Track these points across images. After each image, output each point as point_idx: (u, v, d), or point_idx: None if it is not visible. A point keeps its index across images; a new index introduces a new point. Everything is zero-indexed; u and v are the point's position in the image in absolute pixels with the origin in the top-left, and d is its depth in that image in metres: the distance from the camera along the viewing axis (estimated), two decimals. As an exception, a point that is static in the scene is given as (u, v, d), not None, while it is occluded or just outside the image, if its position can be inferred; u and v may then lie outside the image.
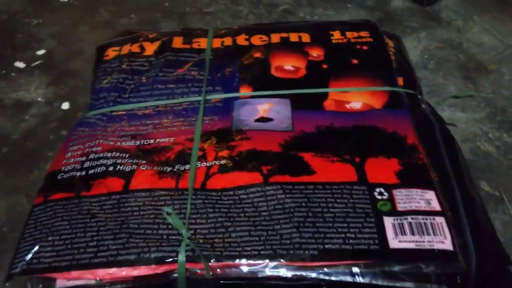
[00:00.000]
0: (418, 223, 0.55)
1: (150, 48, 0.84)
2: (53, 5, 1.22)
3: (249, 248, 0.54)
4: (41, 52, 1.06)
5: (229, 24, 1.17)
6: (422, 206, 0.57)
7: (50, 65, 1.03)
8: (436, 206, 0.57)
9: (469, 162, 0.78)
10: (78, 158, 0.66)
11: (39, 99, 0.94)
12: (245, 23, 1.17)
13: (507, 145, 0.85)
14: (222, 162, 0.63)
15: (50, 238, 0.56)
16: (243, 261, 0.53)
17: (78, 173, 0.63)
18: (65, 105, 0.92)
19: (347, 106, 0.72)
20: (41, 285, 0.54)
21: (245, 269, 0.53)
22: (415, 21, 1.15)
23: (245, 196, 0.59)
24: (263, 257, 0.53)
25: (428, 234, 0.54)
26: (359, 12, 1.19)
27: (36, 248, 0.55)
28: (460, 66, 1.02)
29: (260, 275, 0.53)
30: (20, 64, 1.02)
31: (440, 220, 0.56)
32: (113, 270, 0.53)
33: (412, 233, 0.54)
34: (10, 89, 0.96)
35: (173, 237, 0.55)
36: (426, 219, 0.55)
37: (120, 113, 0.73)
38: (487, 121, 0.89)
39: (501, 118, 0.90)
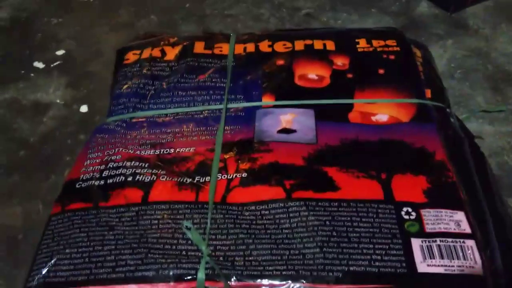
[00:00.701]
0: (448, 246, 0.53)
1: (171, 53, 0.83)
2: (73, 4, 1.21)
3: (270, 268, 0.52)
4: (60, 52, 1.05)
5: (250, 27, 1.15)
6: (452, 228, 0.54)
7: (69, 66, 1.02)
8: (466, 228, 0.55)
9: (496, 177, 0.75)
10: (97, 167, 0.64)
11: (58, 101, 0.93)
12: (266, 26, 1.15)
13: (536, 160, 0.82)
14: (244, 175, 0.61)
15: (67, 251, 0.55)
16: (265, 281, 0.51)
17: (96, 182, 0.62)
18: (84, 108, 0.91)
19: (373, 118, 0.70)
20: (57, 299, 0.53)
21: (266, 289, 0.51)
22: (441, 28, 1.12)
23: (267, 212, 0.57)
24: (285, 277, 0.51)
25: (458, 258, 0.52)
26: (383, 17, 1.16)
27: (53, 260, 0.54)
28: (488, 77, 0.99)
29: (282, 296, 0.51)
30: (39, 65, 1.02)
31: (471, 243, 0.53)
32: (130, 287, 0.51)
33: (441, 257, 0.52)
34: (29, 90, 0.96)
35: (193, 253, 0.53)
36: (456, 242, 0.53)
37: (140, 120, 0.72)
38: (515, 135, 0.86)
39: (530, 132, 0.87)
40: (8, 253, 0.69)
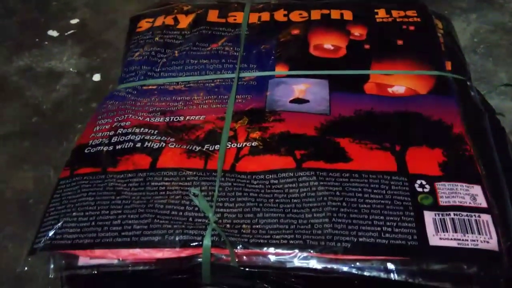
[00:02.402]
0: (462, 220, 0.51)
1: (184, 21, 0.81)
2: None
3: (278, 237, 0.51)
4: (74, 21, 1.05)
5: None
6: (467, 201, 0.52)
7: (84, 35, 1.02)
8: (482, 202, 0.53)
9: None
10: (106, 133, 0.64)
11: (71, 69, 0.93)
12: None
13: (560, 139, 0.79)
14: (254, 144, 0.60)
15: (74, 214, 0.54)
16: (271, 249, 0.50)
17: (105, 148, 0.62)
18: (97, 77, 0.91)
19: (390, 90, 0.67)
20: (63, 262, 0.53)
21: (272, 258, 0.50)
22: (465, 2, 1.08)
23: (276, 181, 0.56)
24: (293, 246, 0.50)
25: (472, 232, 0.50)
26: (405, -10, 1.12)
27: (60, 223, 0.54)
28: (511, 52, 0.95)
29: (288, 265, 0.50)
30: (53, 33, 1.02)
31: (486, 218, 0.51)
32: (136, 251, 0.51)
33: (455, 231, 0.50)
34: (43, 58, 0.96)
35: (199, 220, 0.53)
36: (471, 216, 0.51)
37: (150, 87, 0.71)
38: (539, 112, 0.83)
39: (554, 110, 0.83)
40: (19, 217, 0.70)
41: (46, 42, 0.99)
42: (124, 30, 0.87)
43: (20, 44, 0.99)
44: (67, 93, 0.88)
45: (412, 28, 0.75)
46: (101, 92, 0.86)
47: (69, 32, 1.02)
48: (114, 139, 0.62)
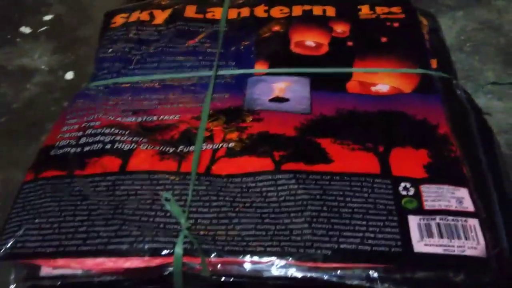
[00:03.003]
0: (448, 224, 0.48)
1: (161, 16, 0.78)
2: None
3: (254, 244, 0.48)
4: (48, 17, 1.01)
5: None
6: (453, 205, 0.50)
7: (57, 31, 0.98)
8: (469, 206, 0.50)
9: (504, 156, 0.70)
10: (74, 133, 0.60)
11: (43, 67, 0.89)
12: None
13: (547, 139, 0.77)
14: (230, 145, 0.57)
15: (37, 221, 0.51)
16: (247, 258, 0.47)
17: (73, 150, 0.58)
18: (69, 75, 0.87)
19: (373, 89, 0.65)
20: (25, 272, 0.49)
21: (248, 266, 0.47)
22: (452, 0, 1.06)
23: (253, 184, 0.53)
24: (270, 254, 0.47)
25: (459, 238, 0.48)
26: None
27: (22, 231, 0.50)
28: (499, 50, 0.93)
29: (265, 274, 0.47)
30: (26, 30, 0.97)
31: (473, 222, 0.49)
32: (102, 260, 0.48)
33: (441, 236, 0.48)
34: (14, 55, 0.92)
35: (171, 227, 0.49)
36: (457, 220, 0.49)
37: (123, 85, 0.67)
38: (526, 111, 0.81)
39: (542, 109, 0.82)
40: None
41: (18, 39, 0.95)
42: (99, 27, 0.83)
43: (-8, 42, 0.94)
44: (38, 92, 0.84)
45: (396, 25, 0.73)
46: (74, 91, 0.81)
47: (42, 29, 0.97)
48: (82, 140, 0.59)
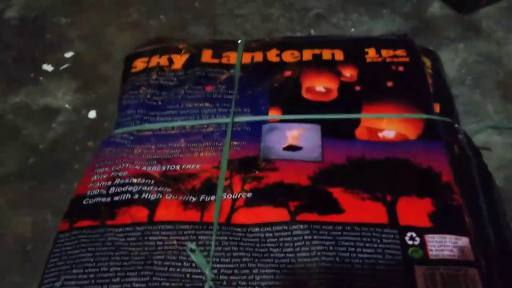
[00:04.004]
0: (450, 274, 0.53)
1: (179, 62, 0.82)
2: (82, 3, 1.21)
3: (273, 293, 0.52)
4: (69, 54, 1.06)
5: (260, 28, 1.15)
6: (455, 255, 0.54)
7: (78, 69, 1.02)
8: (469, 255, 0.54)
9: (503, 192, 0.75)
10: (103, 183, 0.65)
11: (67, 106, 0.94)
12: (276, 27, 1.14)
13: (546, 174, 0.81)
14: (248, 195, 0.62)
15: (74, 271, 0.56)
16: (267, 307, 0.52)
17: (103, 199, 0.63)
18: (92, 114, 0.92)
19: (380, 135, 0.69)
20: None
21: (268, 316, 0.52)
22: (453, 31, 1.10)
23: (270, 235, 0.57)
24: (287, 304, 0.52)
25: (460, 287, 0.52)
26: (394, 19, 1.14)
27: (60, 282, 0.55)
28: (499, 84, 0.97)
29: (284, 323, 0.52)
30: (48, 67, 1.02)
31: (473, 272, 0.53)
32: (135, 310, 0.52)
33: (444, 285, 0.52)
34: (39, 94, 0.96)
35: (197, 277, 0.54)
36: (459, 269, 0.53)
37: (146, 133, 0.72)
38: (525, 146, 0.85)
39: (541, 144, 0.86)
40: (18, 264, 0.71)
41: (41, 77, 1.00)
42: (118, 64, 0.88)
43: (15, 79, 0.99)
44: (63, 132, 0.89)
45: (401, 68, 0.77)
46: (98, 130, 0.87)
47: (64, 66, 1.02)
48: (111, 190, 0.64)
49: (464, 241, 0.56)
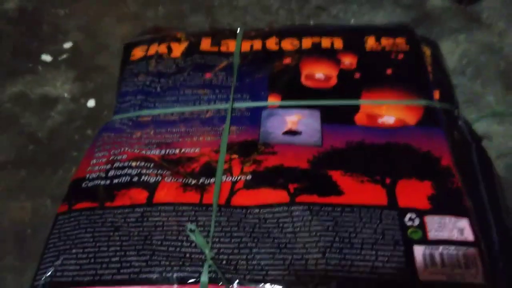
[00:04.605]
0: (450, 254, 0.53)
1: (178, 50, 0.82)
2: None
3: (273, 273, 0.52)
4: (67, 45, 1.05)
5: (259, 19, 1.15)
6: (455, 235, 0.54)
7: (77, 59, 1.02)
8: (469, 236, 0.54)
9: (503, 180, 0.74)
10: (102, 166, 0.65)
11: (65, 95, 0.94)
12: (275, 18, 1.14)
13: (545, 162, 0.82)
14: (248, 177, 0.62)
15: (73, 251, 0.56)
16: (267, 286, 0.52)
17: (102, 182, 0.63)
18: (91, 103, 0.92)
19: (379, 121, 0.69)
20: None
21: (268, 294, 0.52)
22: (455, 22, 1.10)
23: (270, 216, 0.57)
24: (287, 283, 0.51)
25: (460, 266, 0.52)
26: (395, 9, 1.14)
27: (60, 261, 0.55)
28: (500, 74, 0.97)
29: (283, 302, 0.51)
30: (46, 58, 1.02)
31: (473, 251, 0.53)
32: (134, 289, 0.52)
33: (443, 265, 0.52)
34: (37, 83, 0.96)
35: (196, 256, 0.54)
36: (459, 250, 0.53)
37: (145, 119, 0.72)
38: (525, 135, 0.85)
39: (540, 133, 0.86)
40: (17, 248, 0.70)
41: (40, 67, 1.00)
42: (116, 54, 0.88)
43: (13, 70, 0.99)
44: (62, 120, 0.89)
45: (401, 56, 0.77)
46: (96, 119, 0.87)
47: (62, 57, 1.02)
48: (111, 173, 0.64)
49: (463, 222, 0.56)
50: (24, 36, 1.09)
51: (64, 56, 1.03)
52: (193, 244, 0.55)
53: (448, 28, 1.09)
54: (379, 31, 0.82)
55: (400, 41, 0.80)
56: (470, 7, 1.13)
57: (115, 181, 0.63)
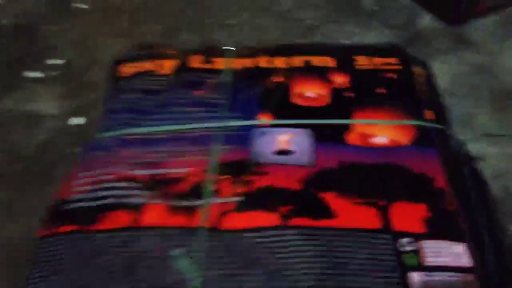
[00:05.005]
0: (447, 281, 0.51)
1: (168, 66, 0.81)
2: (73, 11, 1.20)
3: (264, 301, 0.50)
4: (59, 61, 1.04)
5: (251, 37, 1.14)
6: (451, 261, 0.53)
7: (67, 75, 1.01)
8: (466, 262, 0.53)
9: (498, 201, 0.73)
10: (88, 187, 0.63)
11: (55, 112, 0.92)
12: (267, 37, 1.14)
13: (540, 184, 0.81)
14: (239, 199, 0.60)
15: (55, 277, 0.53)
16: (257, 316, 0.49)
17: (86, 204, 0.61)
18: (80, 120, 0.90)
19: (372, 140, 0.68)
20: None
21: (258, 323, 0.50)
22: (445, 43, 1.10)
23: (262, 240, 0.55)
24: (279, 312, 0.49)
25: (457, 293, 0.50)
26: (384, 30, 1.14)
27: None
28: (491, 94, 0.97)
29: (274, 331, 0.49)
30: (37, 74, 1.00)
31: (470, 278, 0.51)
32: (117, 317, 0.50)
33: (440, 292, 0.50)
34: (25, 100, 0.94)
35: (183, 285, 0.52)
36: (456, 276, 0.51)
37: (133, 137, 0.70)
38: (519, 156, 0.85)
39: (534, 154, 0.85)
40: (7, 271, 0.68)
41: (29, 84, 0.98)
42: (109, 70, 0.86)
43: (2, 86, 0.97)
44: (50, 137, 0.87)
45: (392, 76, 0.77)
46: (85, 136, 0.85)
47: (51, 73, 1.00)
48: (95, 194, 0.62)
49: (460, 247, 0.54)
50: (16, 52, 1.07)
51: (55, 72, 1.01)
52: (179, 271, 0.53)
53: (439, 49, 1.09)
54: (371, 51, 0.82)
55: (392, 60, 0.80)
56: (459, 28, 1.13)
57: (100, 202, 0.60)
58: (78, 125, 0.89)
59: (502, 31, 1.11)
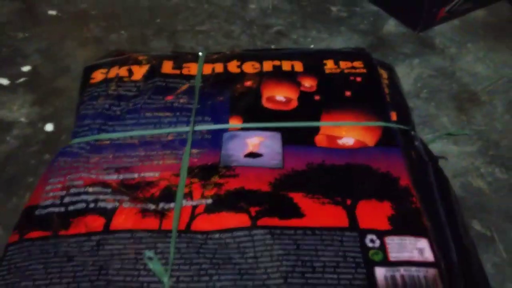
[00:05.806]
0: (411, 275, 0.53)
1: (139, 72, 0.81)
2: (41, 18, 1.19)
3: (234, 300, 0.51)
4: (26, 68, 1.03)
5: (221, 44, 1.15)
6: (415, 256, 0.55)
7: (35, 82, 1.00)
8: (429, 256, 0.55)
9: (459, 199, 0.76)
10: (57, 193, 0.63)
11: (22, 119, 0.91)
12: (237, 43, 1.15)
13: (499, 181, 0.84)
14: (209, 201, 0.61)
15: (23, 284, 0.53)
16: (228, 314, 0.50)
17: (56, 209, 0.60)
18: (49, 127, 0.89)
19: (339, 142, 0.70)
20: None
21: (229, 322, 0.50)
22: (408, 48, 1.14)
23: (231, 240, 0.56)
24: (249, 310, 0.50)
25: (421, 287, 0.52)
26: (352, 36, 1.17)
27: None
28: (452, 96, 1.01)
29: (244, 329, 0.50)
30: (3, 81, 0.99)
31: (433, 272, 0.54)
32: (89, 322, 0.50)
33: (405, 286, 0.52)
34: (-8, 107, 0.93)
35: (154, 286, 0.52)
36: (419, 271, 0.53)
37: (104, 142, 0.70)
38: (479, 155, 0.88)
39: (493, 153, 0.89)
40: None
41: (-4, 91, 0.97)
42: (77, 77, 0.86)
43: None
44: (17, 145, 0.85)
45: (359, 79, 0.79)
46: (54, 143, 0.85)
47: (20, 80, 0.99)
48: (66, 200, 0.61)
49: (423, 242, 0.56)
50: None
51: (22, 79, 1.00)
52: (151, 273, 0.53)
53: (403, 53, 1.12)
54: (338, 55, 0.84)
55: (358, 64, 0.82)
56: (423, 33, 1.17)
57: (70, 208, 0.60)
58: (47, 132, 0.88)
59: (461, 37, 1.16)
